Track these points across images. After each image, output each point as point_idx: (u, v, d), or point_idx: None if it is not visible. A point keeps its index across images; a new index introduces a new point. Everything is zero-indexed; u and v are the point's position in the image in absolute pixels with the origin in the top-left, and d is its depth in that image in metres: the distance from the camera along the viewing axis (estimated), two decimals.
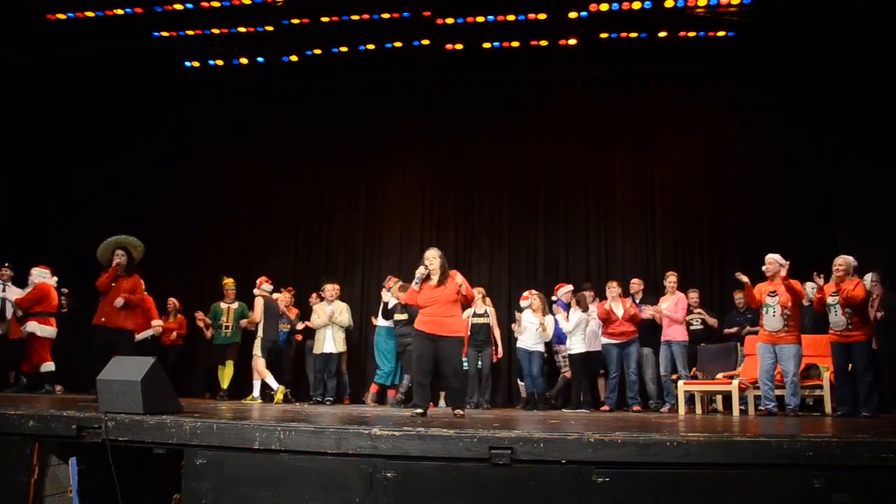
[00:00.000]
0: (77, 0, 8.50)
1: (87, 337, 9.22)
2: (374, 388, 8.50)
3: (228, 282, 9.02)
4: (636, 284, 8.39)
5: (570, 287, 8.55)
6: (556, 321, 8.09)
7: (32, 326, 7.91)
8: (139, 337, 7.37)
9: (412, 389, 5.69)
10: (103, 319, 6.67)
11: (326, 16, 8.79)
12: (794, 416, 6.17)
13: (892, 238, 8.25)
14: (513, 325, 8.28)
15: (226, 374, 8.81)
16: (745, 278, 6.47)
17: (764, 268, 6.47)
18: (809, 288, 7.76)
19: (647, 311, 7.91)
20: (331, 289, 8.68)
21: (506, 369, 9.21)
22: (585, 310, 7.98)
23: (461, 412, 5.15)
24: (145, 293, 7.42)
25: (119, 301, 6.61)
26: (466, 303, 5.90)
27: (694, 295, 8.20)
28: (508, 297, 9.51)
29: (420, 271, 5.25)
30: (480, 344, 8.24)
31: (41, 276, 8.08)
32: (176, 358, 9.21)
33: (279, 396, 7.91)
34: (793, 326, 6.23)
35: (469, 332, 8.12)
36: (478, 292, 8.06)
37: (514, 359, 8.74)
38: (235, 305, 8.95)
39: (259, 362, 8.11)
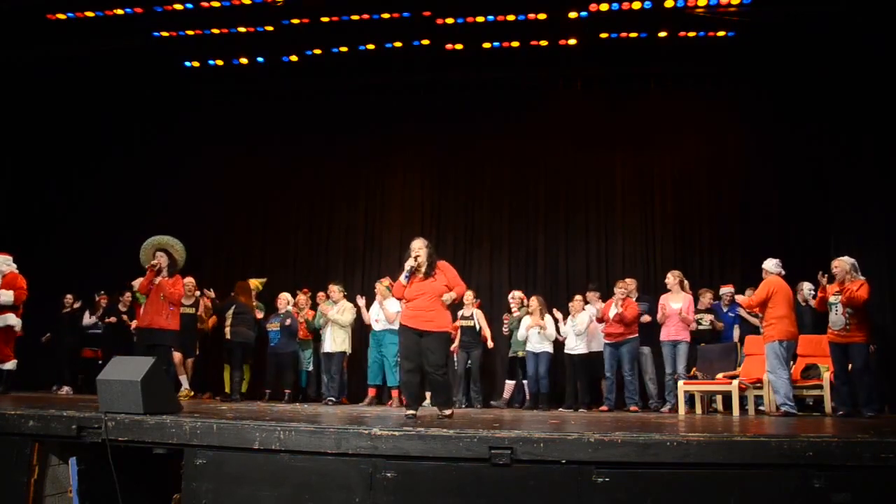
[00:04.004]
0: (77, 0, 8.49)
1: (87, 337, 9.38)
2: (371, 392, 8.47)
3: (259, 283, 8.98)
4: (629, 284, 8.26)
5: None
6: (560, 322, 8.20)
7: (12, 319, 7.13)
8: None
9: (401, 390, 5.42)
10: (147, 321, 6.59)
11: (326, 16, 8.77)
12: (772, 414, 6.23)
13: (892, 238, 8.23)
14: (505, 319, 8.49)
15: (245, 379, 8.81)
16: (741, 299, 6.78)
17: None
18: (807, 289, 7.76)
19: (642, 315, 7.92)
20: (334, 289, 8.64)
21: (494, 370, 9.19)
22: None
23: (448, 412, 4.88)
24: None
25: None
26: (457, 301, 5.46)
27: (709, 296, 8.16)
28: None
29: (410, 264, 4.97)
30: (468, 345, 8.34)
31: (7, 263, 7.26)
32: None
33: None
34: (767, 327, 6.39)
35: (458, 335, 8.24)
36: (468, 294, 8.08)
37: (504, 359, 8.83)
38: (255, 304, 8.98)
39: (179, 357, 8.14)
